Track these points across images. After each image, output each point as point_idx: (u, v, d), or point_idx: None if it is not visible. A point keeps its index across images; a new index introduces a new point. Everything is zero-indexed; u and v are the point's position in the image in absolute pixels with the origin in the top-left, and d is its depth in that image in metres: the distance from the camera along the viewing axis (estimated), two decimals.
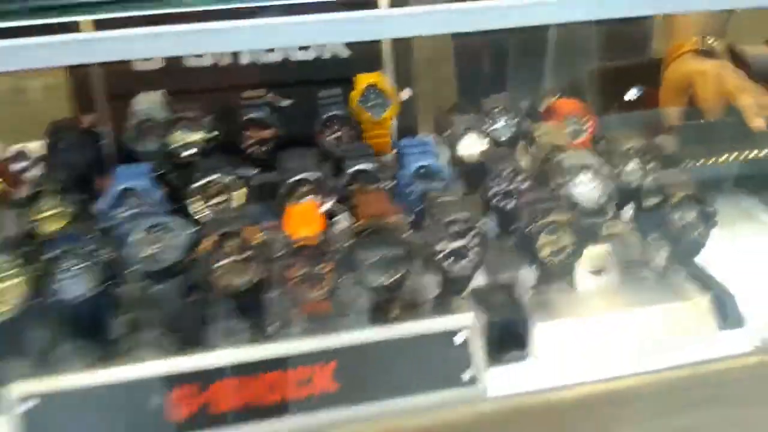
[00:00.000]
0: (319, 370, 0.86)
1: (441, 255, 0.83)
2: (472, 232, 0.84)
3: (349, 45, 1.30)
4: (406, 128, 1.33)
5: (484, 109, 1.27)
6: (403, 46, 1.32)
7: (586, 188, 1.00)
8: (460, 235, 0.83)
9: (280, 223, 0.97)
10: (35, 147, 1.25)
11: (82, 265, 0.79)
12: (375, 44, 1.31)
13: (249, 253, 0.81)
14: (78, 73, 1.23)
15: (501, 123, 1.25)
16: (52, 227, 0.93)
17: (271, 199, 1.10)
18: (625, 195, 1.06)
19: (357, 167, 0.97)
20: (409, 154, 0.99)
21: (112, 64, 0.88)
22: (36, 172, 1.21)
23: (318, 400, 0.84)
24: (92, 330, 0.84)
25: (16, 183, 1.14)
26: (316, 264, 0.81)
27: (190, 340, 0.87)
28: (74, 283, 0.79)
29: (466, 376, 0.86)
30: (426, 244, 0.83)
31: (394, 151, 1.22)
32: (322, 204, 0.93)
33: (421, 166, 0.97)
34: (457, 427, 0.86)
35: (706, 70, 1.26)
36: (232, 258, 0.81)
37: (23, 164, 1.21)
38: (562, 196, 0.96)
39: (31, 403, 0.81)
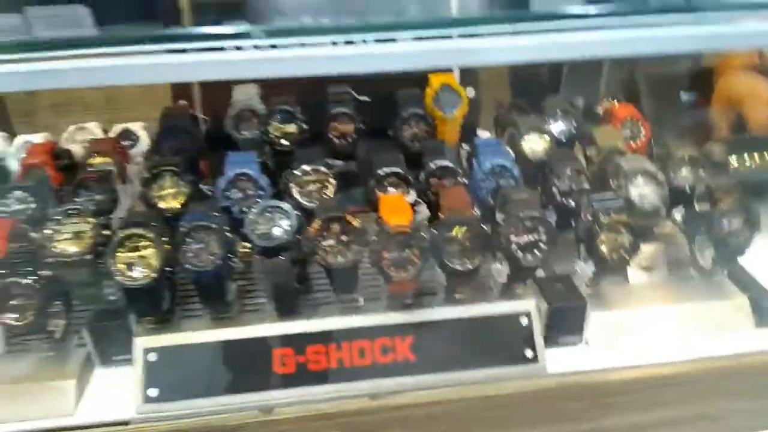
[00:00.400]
0: (400, 341, 0.99)
1: (514, 247, 0.94)
2: (543, 228, 0.95)
3: None
4: (467, 125, 1.42)
5: (545, 110, 1.36)
6: None
7: (643, 191, 1.10)
8: (532, 229, 0.95)
9: (367, 209, 1.09)
10: (137, 127, 1.39)
11: (209, 239, 0.92)
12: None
13: (350, 236, 0.93)
14: None
15: (561, 124, 1.34)
16: (170, 204, 1.07)
17: (353, 186, 1.22)
18: (675, 198, 1.15)
19: (438, 163, 1.08)
20: (483, 153, 1.10)
21: None
22: (140, 148, 1.36)
23: (399, 367, 0.98)
24: (212, 294, 0.97)
25: (124, 157, 1.27)
26: (406, 248, 0.92)
27: (293, 307, 1.00)
28: (201, 254, 0.92)
29: (528, 354, 0.99)
30: (501, 237, 0.94)
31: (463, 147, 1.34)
32: (407, 195, 1.05)
33: (496, 164, 1.08)
34: (519, 399, 0.99)
35: (758, 93, 1.32)
36: (335, 239, 0.93)
37: (129, 142, 1.35)
38: (620, 197, 1.05)
39: (153, 355, 0.96)
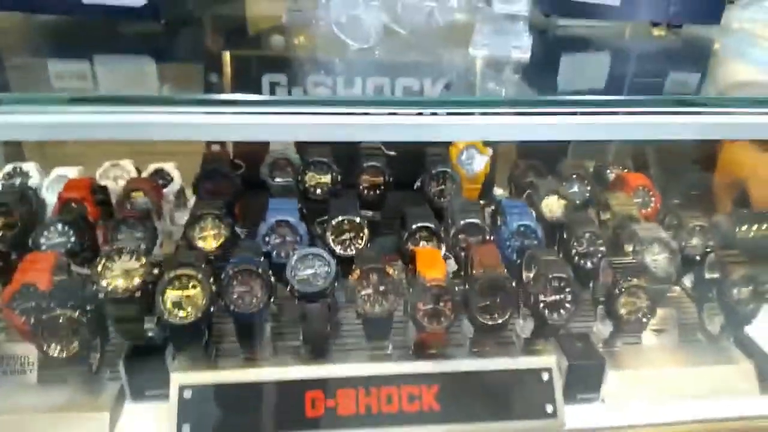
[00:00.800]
0: (426, 390, 1.03)
1: (542, 305, 0.99)
2: (569, 289, 1.00)
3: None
4: (485, 182, 1.49)
5: (561, 173, 1.44)
6: None
7: (657, 258, 1.16)
8: (559, 289, 1.00)
9: (396, 258, 1.15)
10: (170, 167, 1.44)
11: (253, 283, 0.96)
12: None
13: (387, 286, 0.98)
14: None
15: (576, 187, 1.42)
16: (210, 245, 1.11)
17: (379, 236, 1.27)
18: (686, 265, 1.22)
19: (468, 220, 1.14)
20: (511, 213, 1.16)
21: None
22: (172, 188, 1.40)
23: (424, 416, 1.01)
24: (249, 335, 1.01)
25: (159, 196, 1.32)
26: (441, 301, 0.97)
27: (325, 351, 1.04)
28: (245, 297, 0.97)
29: (548, 409, 1.03)
30: (530, 295, 1.00)
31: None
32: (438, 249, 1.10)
33: (522, 225, 1.14)
34: None
35: (760, 170, 1.40)
36: (373, 289, 0.98)
37: (162, 181, 1.40)
38: (640, 262, 1.12)
39: (188, 392, 0.98)
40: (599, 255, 1.18)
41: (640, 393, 1.09)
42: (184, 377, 0.99)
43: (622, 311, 1.06)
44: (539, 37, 1.26)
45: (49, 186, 1.38)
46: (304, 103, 0.92)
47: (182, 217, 1.44)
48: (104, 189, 1.33)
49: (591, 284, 1.16)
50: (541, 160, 1.52)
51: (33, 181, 1.38)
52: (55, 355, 0.93)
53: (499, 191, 1.62)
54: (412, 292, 0.97)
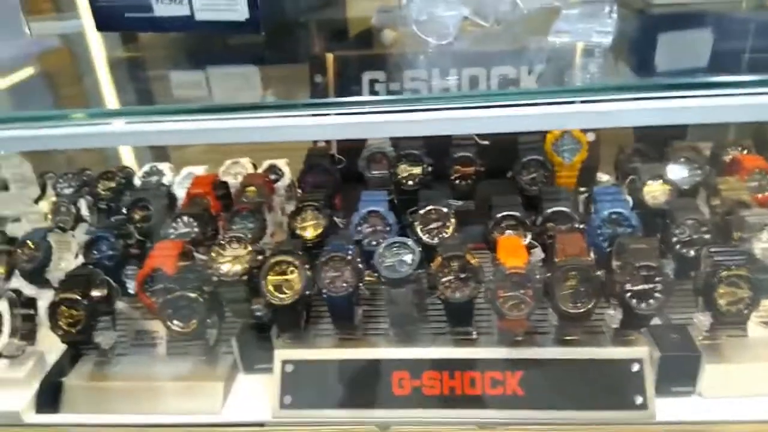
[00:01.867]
0: (510, 375, 1.05)
1: (629, 294, 0.98)
2: (660, 278, 0.97)
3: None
4: (587, 167, 1.46)
5: (669, 156, 1.37)
6: None
7: (766, 246, 1.08)
8: (648, 279, 0.97)
9: (484, 246, 1.17)
10: (281, 163, 1.57)
11: (343, 268, 1.05)
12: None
13: (468, 273, 1.02)
14: None
15: (684, 171, 1.34)
16: (310, 233, 1.21)
17: (472, 224, 1.30)
18: None
19: (555, 208, 1.14)
20: (602, 200, 1.14)
21: None
22: (284, 182, 1.53)
23: (507, 400, 1.04)
24: (342, 316, 1.09)
25: (271, 190, 1.44)
26: (521, 288, 0.99)
27: (411, 334, 1.10)
28: (336, 281, 1.05)
29: (638, 400, 1.01)
30: (617, 284, 0.98)
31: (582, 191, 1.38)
32: (523, 237, 1.12)
33: (613, 212, 1.11)
34: None
35: None
36: (454, 276, 1.02)
37: (275, 176, 1.53)
38: (743, 250, 1.05)
39: (290, 367, 1.09)
40: (703, 243, 1.12)
41: (740, 388, 1.03)
42: (286, 353, 1.10)
43: (721, 302, 1.01)
44: (636, 17, 1.22)
45: (180, 182, 1.56)
46: (400, 102, 0.97)
47: (292, 208, 1.57)
48: (225, 184, 1.48)
49: (693, 273, 1.11)
50: (656, 143, 1.46)
51: (166, 179, 1.57)
52: (176, 330, 1.08)
53: (605, 177, 1.57)
54: (492, 279, 1.00)
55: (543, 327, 1.08)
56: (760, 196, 1.27)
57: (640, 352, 1.03)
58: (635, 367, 1.02)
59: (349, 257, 1.04)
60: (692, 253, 1.12)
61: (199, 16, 1.09)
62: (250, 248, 1.08)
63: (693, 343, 1.05)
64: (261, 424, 1.08)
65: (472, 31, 1.09)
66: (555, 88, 0.91)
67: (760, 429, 0.98)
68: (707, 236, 1.13)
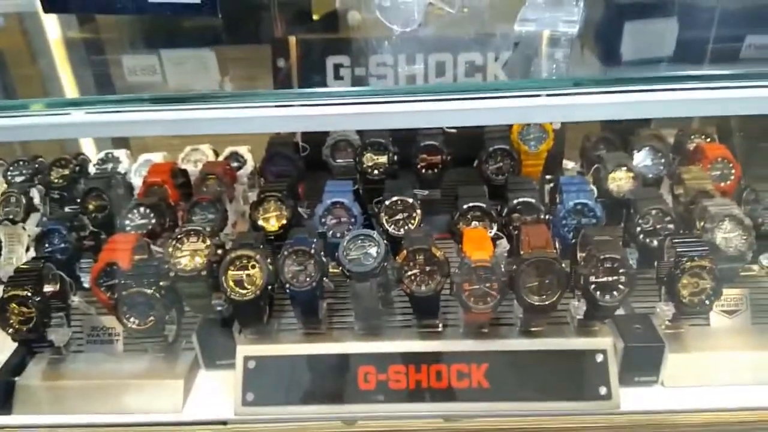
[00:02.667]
0: (475, 368, 1.05)
1: (593, 287, 0.97)
2: (623, 270, 0.97)
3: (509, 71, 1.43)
4: (553, 155, 1.45)
5: (634, 145, 1.38)
6: None
7: (729, 236, 1.09)
8: (612, 271, 0.97)
9: (449, 236, 1.16)
10: (244, 150, 1.52)
11: (306, 262, 1.02)
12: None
13: (433, 267, 1.00)
14: None
15: (648, 160, 1.35)
16: (272, 225, 1.18)
17: (437, 214, 1.29)
18: (763, 241, 1.14)
19: (521, 199, 1.13)
20: (568, 191, 1.13)
21: None
22: (246, 170, 1.49)
23: (473, 392, 1.03)
24: (305, 311, 1.07)
25: (233, 179, 1.40)
26: (487, 282, 0.98)
27: (377, 328, 1.08)
28: (299, 276, 1.02)
29: (602, 390, 1.01)
30: (581, 276, 0.98)
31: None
32: (489, 229, 1.10)
33: (578, 203, 1.11)
34: None
35: None
36: (419, 269, 1.01)
37: (237, 163, 1.49)
38: (705, 240, 1.06)
39: (252, 363, 1.06)
40: (666, 233, 1.13)
41: (702, 377, 1.05)
42: (248, 349, 1.07)
43: (684, 292, 1.02)
44: (602, 5, 1.20)
45: (137, 170, 1.51)
46: (365, 94, 0.94)
47: (255, 197, 1.53)
48: (184, 172, 1.43)
49: (656, 263, 1.11)
50: (621, 131, 1.46)
51: (123, 166, 1.51)
52: (133, 327, 1.04)
53: (570, 164, 1.57)
54: (457, 272, 0.99)
55: (507, 318, 1.08)
56: (722, 184, 1.28)
57: (603, 342, 1.03)
58: (599, 358, 1.03)
59: (313, 251, 1.02)
60: (655, 242, 1.13)
61: None
62: (209, 242, 1.04)
63: (656, 333, 1.06)
64: (224, 422, 1.05)
65: (437, 16, 1.06)
66: (524, 82, 0.89)
67: (722, 417, 1.00)
68: (670, 226, 1.14)
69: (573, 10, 0.96)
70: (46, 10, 1.10)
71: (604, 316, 1.03)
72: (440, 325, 1.09)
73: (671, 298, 1.04)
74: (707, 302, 1.01)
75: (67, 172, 1.47)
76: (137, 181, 1.46)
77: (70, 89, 1.28)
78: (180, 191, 1.37)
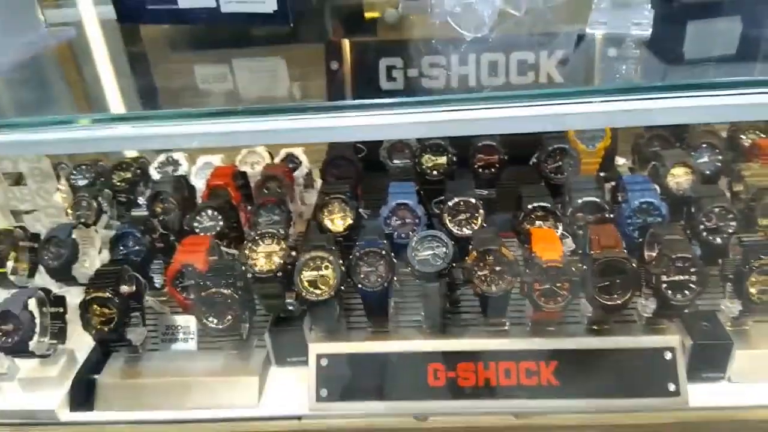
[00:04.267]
0: (544, 366, 1.06)
1: (665, 286, 0.99)
2: (695, 269, 0.98)
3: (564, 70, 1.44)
4: (607, 152, 1.45)
5: (689, 141, 1.38)
6: None
7: None
8: (684, 270, 0.99)
9: (512, 235, 1.18)
10: (299, 151, 1.55)
11: (377, 263, 1.05)
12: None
13: (503, 267, 1.02)
14: None
15: (705, 156, 1.35)
16: (337, 226, 1.21)
17: (495, 212, 1.30)
18: None
19: (586, 198, 1.14)
20: (632, 189, 1.14)
21: None
22: (301, 171, 1.52)
23: (542, 390, 1.05)
24: (375, 310, 1.10)
25: (291, 180, 1.43)
26: (558, 281, 1.00)
27: (445, 327, 1.11)
28: (371, 276, 1.05)
29: (671, 387, 1.03)
30: (652, 275, 0.99)
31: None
32: (555, 228, 1.12)
33: (644, 202, 1.12)
34: (659, 430, 1.03)
35: None
36: (489, 270, 1.03)
37: (292, 164, 1.52)
38: None
39: (325, 361, 1.10)
40: (730, 230, 1.13)
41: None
42: (320, 347, 1.10)
43: (752, 290, 1.02)
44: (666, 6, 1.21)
45: (197, 173, 1.55)
46: (419, 104, 0.95)
47: (310, 197, 1.57)
48: (244, 174, 1.46)
49: (720, 261, 1.12)
50: (673, 127, 1.46)
51: (182, 169, 1.55)
52: (213, 326, 1.08)
53: (621, 161, 1.58)
54: (528, 272, 1.01)
55: (573, 316, 1.09)
56: None
57: (672, 340, 1.04)
58: (668, 356, 1.04)
59: (383, 252, 1.04)
60: (719, 240, 1.14)
61: (226, 8, 1.07)
62: (283, 244, 1.07)
63: (724, 330, 1.07)
64: (298, 417, 1.09)
65: (504, 21, 1.07)
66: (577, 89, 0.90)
67: None
68: (733, 223, 1.14)
69: (644, 13, 0.96)
70: (122, 21, 1.14)
71: (674, 315, 1.04)
72: (507, 324, 1.11)
73: (739, 295, 1.05)
74: None
75: (129, 175, 1.51)
76: (198, 184, 1.50)
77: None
78: (241, 193, 1.41)
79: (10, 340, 1.09)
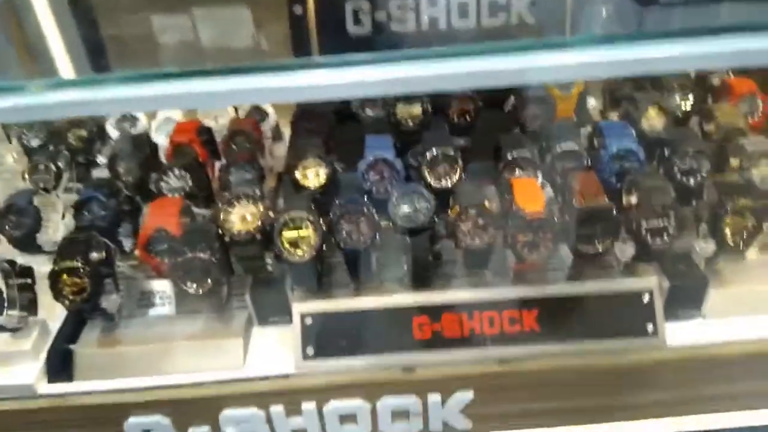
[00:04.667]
0: (526, 313, 1.08)
1: (645, 232, 1.00)
2: (673, 214, 1.00)
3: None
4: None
5: (661, 83, 1.37)
6: None
7: (765, 173, 1.12)
8: (662, 215, 1.00)
9: (496, 190, 1.17)
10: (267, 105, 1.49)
11: (359, 221, 1.03)
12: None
13: (487, 220, 1.02)
14: None
15: (677, 98, 1.35)
16: (312, 182, 1.17)
17: (471, 161, 1.29)
18: None
19: (565, 147, 1.13)
20: (609, 135, 1.14)
21: None
22: (269, 124, 1.46)
23: (525, 336, 1.07)
24: (358, 267, 1.08)
25: (259, 134, 1.38)
26: (541, 232, 1.00)
27: (428, 280, 1.11)
28: (353, 234, 1.03)
29: (649, 328, 1.06)
30: (633, 222, 1.00)
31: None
32: (536, 177, 1.11)
33: (622, 148, 1.12)
34: (640, 370, 1.07)
35: None
36: (472, 223, 1.02)
37: (258, 117, 1.46)
38: (746, 179, 1.08)
39: (309, 320, 1.09)
40: (703, 172, 1.15)
41: (742, 309, 1.10)
42: (304, 306, 1.09)
43: (727, 231, 1.05)
44: None
45: (157, 128, 1.48)
46: (389, 60, 0.90)
47: (279, 149, 1.52)
48: (209, 130, 1.40)
49: (694, 202, 1.14)
50: None
51: (141, 125, 1.47)
52: (192, 292, 1.05)
53: (591, 101, 1.57)
54: (511, 224, 1.00)
55: (553, 264, 1.10)
56: (751, 120, 1.30)
57: (650, 282, 1.07)
58: (646, 297, 1.06)
59: (365, 209, 1.02)
60: (693, 182, 1.15)
61: None
62: (260, 205, 1.04)
63: (699, 270, 1.10)
64: (285, 376, 1.08)
65: None
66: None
67: (762, 346, 1.05)
68: (707, 165, 1.16)
69: None
70: None
71: (654, 258, 1.06)
72: (489, 275, 1.11)
73: (713, 236, 1.07)
74: (750, 240, 1.05)
75: (85, 133, 1.43)
76: (160, 140, 1.44)
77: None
78: (206, 149, 1.35)
79: None
